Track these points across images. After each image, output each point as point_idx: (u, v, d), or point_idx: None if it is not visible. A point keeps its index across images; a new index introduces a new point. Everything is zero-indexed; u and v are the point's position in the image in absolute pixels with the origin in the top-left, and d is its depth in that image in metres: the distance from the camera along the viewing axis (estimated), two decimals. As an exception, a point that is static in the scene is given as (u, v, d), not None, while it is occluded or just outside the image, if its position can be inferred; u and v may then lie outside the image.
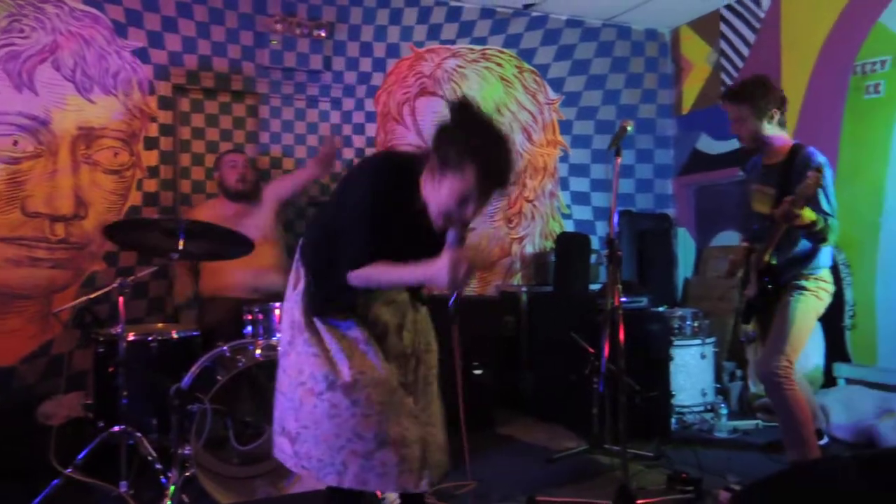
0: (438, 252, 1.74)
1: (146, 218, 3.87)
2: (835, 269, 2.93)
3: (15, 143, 3.74)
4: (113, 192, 3.98)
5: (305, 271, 1.96)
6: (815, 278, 2.85)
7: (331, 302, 1.90)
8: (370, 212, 1.80)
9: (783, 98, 2.92)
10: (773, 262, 2.86)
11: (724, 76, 5.00)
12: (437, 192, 1.77)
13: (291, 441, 1.90)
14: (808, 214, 2.66)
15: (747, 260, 3.01)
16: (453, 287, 1.72)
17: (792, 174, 2.77)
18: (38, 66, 3.79)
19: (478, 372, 3.94)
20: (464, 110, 1.77)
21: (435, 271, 1.71)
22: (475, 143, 1.72)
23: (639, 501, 2.62)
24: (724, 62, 5.00)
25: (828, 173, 2.77)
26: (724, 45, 4.99)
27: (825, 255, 2.88)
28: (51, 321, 3.81)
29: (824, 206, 2.75)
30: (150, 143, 4.09)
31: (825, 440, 3.38)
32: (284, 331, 2.00)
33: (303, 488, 2.81)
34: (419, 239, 1.82)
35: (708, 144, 5.12)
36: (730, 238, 4.96)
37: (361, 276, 1.82)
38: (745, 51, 4.83)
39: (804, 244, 2.83)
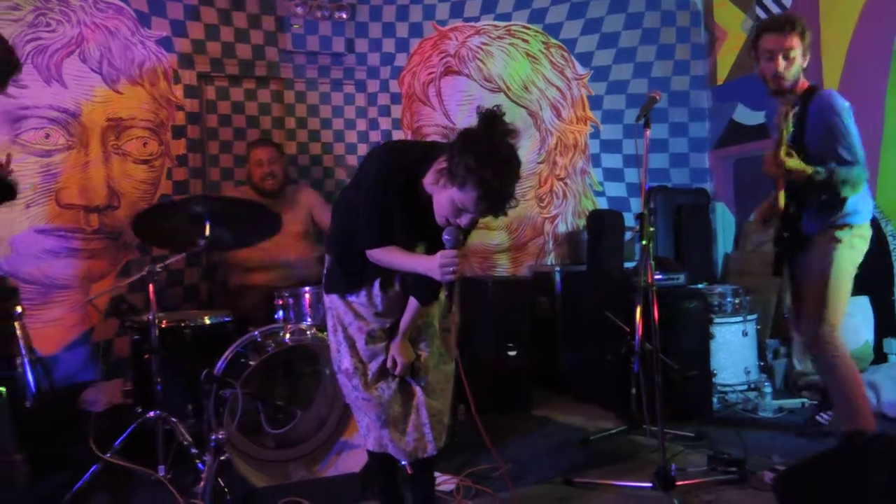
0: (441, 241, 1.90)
1: (169, 201, 3.89)
2: (881, 238, 2.76)
3: (47, 136, 3.79)
4: (144, 182, 4.03)
5: (328, 253, 2.21)
6: (847, 226, 2.65)
7: (349, 277, 2.13)
8: (377, 200, 1.95)
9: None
10: (793, 210, 2.68)
11: (761, 43, 4.80)
12: (439, 195, 1.89)
13: None
14: (793, 164, 2.51)
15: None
16: (444, 281, 1.89)
17: (807, 120, 2.60)
18: (65, 59, 3.82)
19: (512, 353, 3.90)
20: (489, 125, 1.82)
21: (430, 265, 1.89)
22: (484, 169, 1.75)
23: (679, 483, 2.55)
24: (760, 28, 4.80)
25: (849, 117, 2.59)
26: (759, 10, 4.79)
27: (856, 203, 2.65)
28: (90, 310, 3.88)
29: (842, 153, 2.56)
30: (178, 132, 4.11)
31: None
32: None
33: (337, 471, 2.81)
34: (425, 227, 1.96)
35: (745, 115, 4.94)
36: (770, 211, 4.79)
37: (378, 255, 2.03)
38: (782, 15, 4.63)
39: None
